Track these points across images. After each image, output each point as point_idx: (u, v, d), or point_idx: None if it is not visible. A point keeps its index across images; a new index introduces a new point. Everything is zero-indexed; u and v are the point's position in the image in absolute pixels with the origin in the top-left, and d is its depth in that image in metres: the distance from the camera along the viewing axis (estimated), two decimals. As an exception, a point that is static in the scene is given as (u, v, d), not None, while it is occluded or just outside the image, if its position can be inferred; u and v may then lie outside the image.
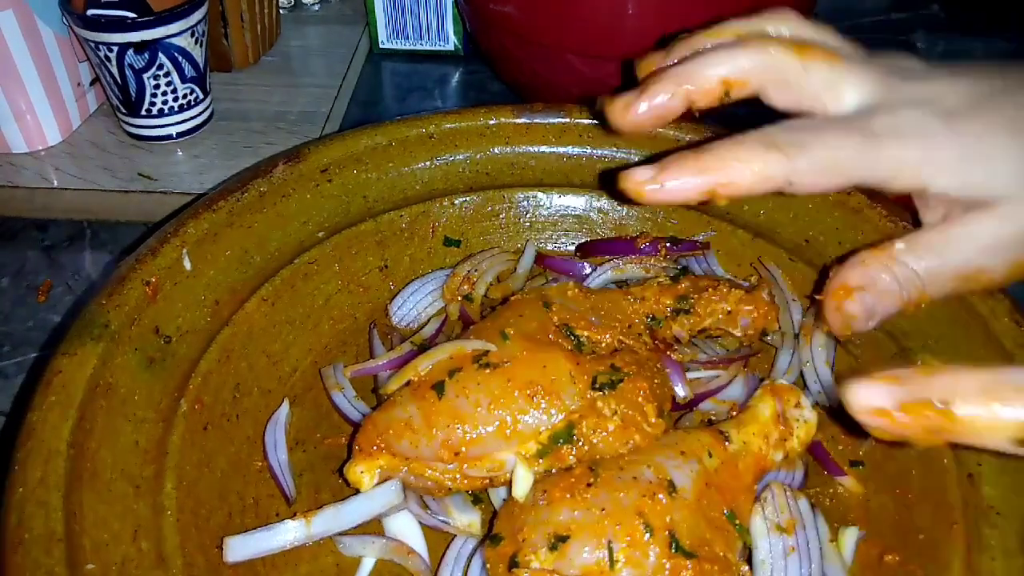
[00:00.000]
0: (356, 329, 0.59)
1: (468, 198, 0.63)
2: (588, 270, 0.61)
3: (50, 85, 0.76)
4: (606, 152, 0.61)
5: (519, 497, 0.44)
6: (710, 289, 0.54)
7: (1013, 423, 0.30)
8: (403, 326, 0.60)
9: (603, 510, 0.41)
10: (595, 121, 0.59)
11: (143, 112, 0.77)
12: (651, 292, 0.55)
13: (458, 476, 0.46)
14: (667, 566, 0.40)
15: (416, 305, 0.60)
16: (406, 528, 0.48)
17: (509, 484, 0.45)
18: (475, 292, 0.60)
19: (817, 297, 0.47)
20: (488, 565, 0.43)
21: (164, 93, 0.76)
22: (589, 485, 0.42)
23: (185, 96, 0.77)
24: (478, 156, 0.61)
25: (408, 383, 0.48)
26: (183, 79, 0.76)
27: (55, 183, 0.75)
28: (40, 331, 0.66)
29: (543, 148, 0.62)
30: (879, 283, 0.42)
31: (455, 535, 0.47)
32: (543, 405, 0.45)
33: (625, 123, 0.45)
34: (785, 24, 0.46)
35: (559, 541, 0.41)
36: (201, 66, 0.77)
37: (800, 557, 0.43)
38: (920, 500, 0.47)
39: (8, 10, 0.70)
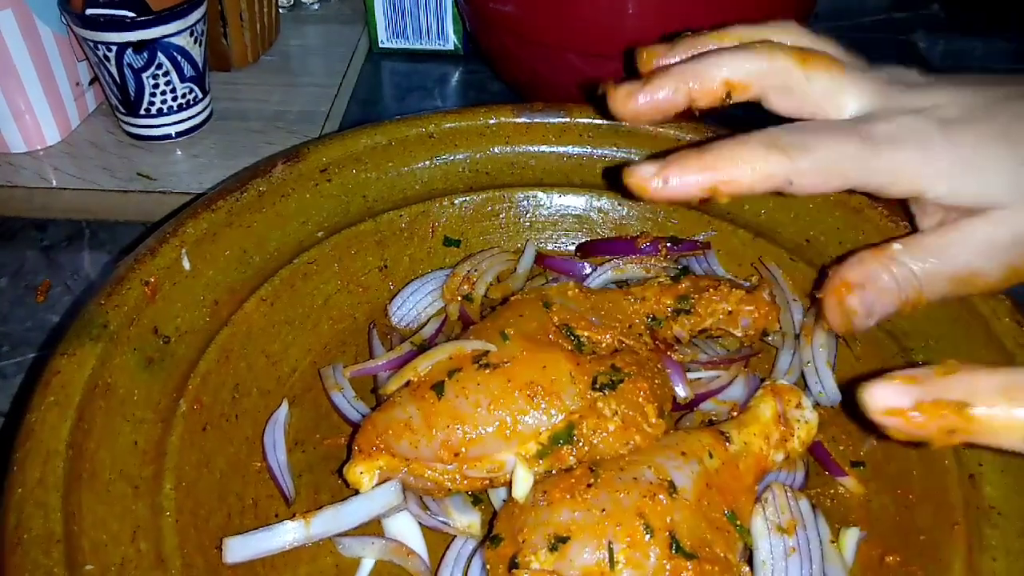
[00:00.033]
0: (355, 329, 0.59)
1: (468, 198, 0.62)
2: (588, 270, 0.61)
3: (49, 85, 0.76)
4: (607, 152, 0.61)
5: (519, 498, 0.44)
6: (711, 289, 0.54)
7: None
8: (403, 326, 0.59)
9: (603, 511, 0.41)
10: (594, 105, 0.59)
11: (142, 112, 0.77)
12: (651, 292, 0.55)
13: (458, 477, 0.46)
14: (668, 567, 0.40)
15: (416, 305, 0.60)
16: (406, 529, 0.48)
17: (509, 485, 0.45)
18: (475, 292, 0.59)
19: (817, 295, 0.47)
20: (488, 566, 0.43)
21: (163, 93, 0.76)
22: (589, 486, 0.42)
23: (184, 96, 0.77)
24: (478, 156, 0.61)
25: (408, 383, 0.48)
26: (182, 78, 0.76)
27: (54, 183, 0.75)
28: (39, 331, 0.65)
29: (543, 148, 0.61)
30: (878, 281, 0.43)
31: (455, 536, 0.47)
32: (543, 405, 0.45)
33: (625, 111, 0.46)
34: (788, 34, 0.47)
35: (559, 542, 0.40)
36: (200, 65, 0.77)
37: (801, 558, 0.43)
38: (921, 501, 0.47)
39: (7, 9, 0.70)
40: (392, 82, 0.94)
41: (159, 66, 0.74)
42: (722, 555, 0.41)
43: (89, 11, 0.74)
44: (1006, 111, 0.42)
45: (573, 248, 0.64)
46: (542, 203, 0.64)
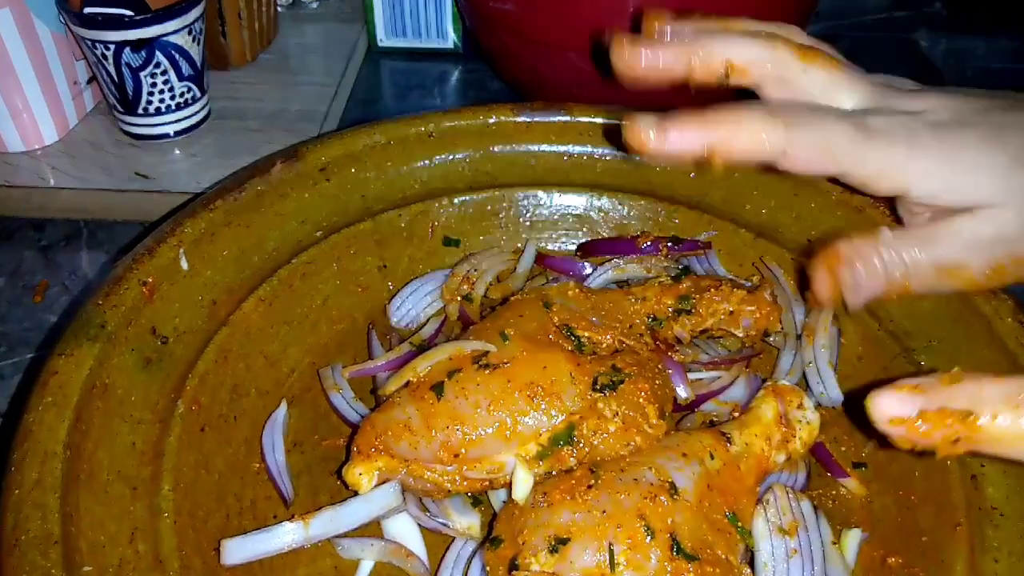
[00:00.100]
0: (354, 329, 0.59)
1: (468, 197, 0.62)
2: (588, 270, 0.60)
3: (46, 84, 0.76)
4: (607, 151, 0.61)
5: (519, 499, 0.44)
6: (712, 289, 0.54)
7: None
8: (402, 326, 0.59)
9: (604, 512, 0.41)
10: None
11: (140, 111, 0.76)
12: (652, 292, 0.54)
13: (457, 478, 0.46)
14: (668, 569, 0.39)
15: (415, 305, 0.60)
16: (405, 530, 0.47)
17: (509, 486, 0.45)
18: (474, 292, 0.59)
19: (806, 264, 0.47)
20: (488, 568, 0.43)
21: (161, 91, 0.75)
22: (590, 487, 0.42)
23: (182, 94, 0.77)
24: (478, 155, 0.61)
25: (407, 384, 0.48)
26: (180, 77, 0.76)
27: (52, 182, 0.74)
28: (36, 331, 0.65)
29: (543, 147, 0.61)
30: (869, 259, 0.44)
31: (454, 537, 0.47)
32: (543, 406, 0.45)
33: (623, 65, 0.46)
34: (790, 34, 0.48)
35: (559, 543, 0.40)
36: (198, 64, 0.77)
37: (802, 559, 0.43)
38: (923, 502, 0.47)
39: (5, 8, 0.70)
40: (391, 81, 0.94)
41: (157, 65, 0.73)
42: (723, 556, 0.41)
43: (87, 10, 0.73)
44: (993, 118, 0.44)
45: (573, 248, 0.64)
46: (542, 202, 0.64)
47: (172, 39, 0.73)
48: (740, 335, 0.54)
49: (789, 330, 0.56)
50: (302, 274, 0.57)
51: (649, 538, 0.40)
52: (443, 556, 0.46)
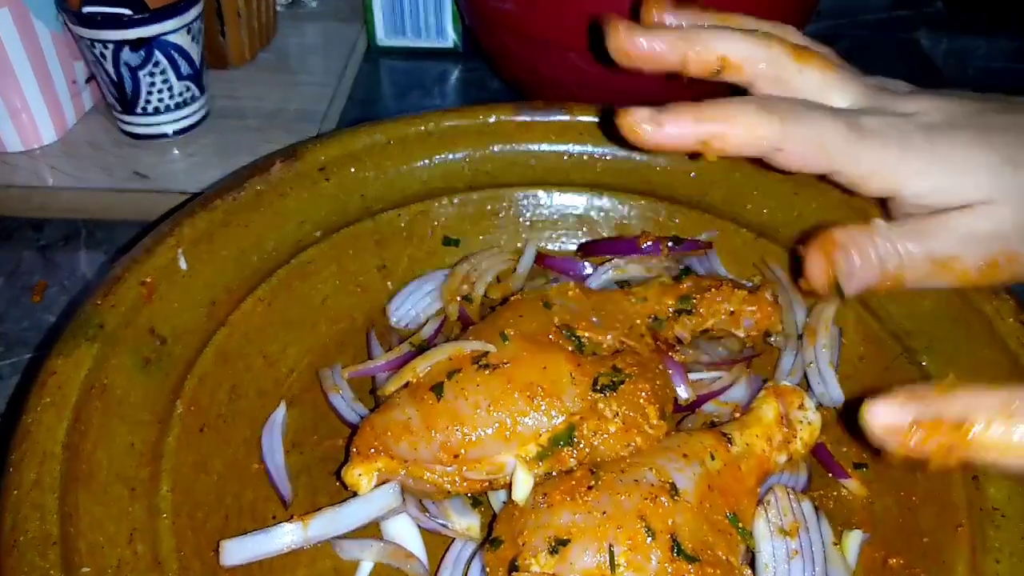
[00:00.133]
0: (354, 330, 0.59)
1: (467, 197, 0.62)
2: (589, 270, 0.60)
3: (45, 83, 0.76)
4: (607, 150, 0.61)
5: (519, 500, 0.44)
6: (713, 289, 0.54)
7: None
8: (402, 327, 0.59)
9: (604, 513, 0.41)
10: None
11: (139, 110, 0.76)
12: (653, 292, 0.54)
13: (457, 479, 0.46)
14: (669, 570, 0.39)
15: (415, 305, 0.59)
16: (404, 531, 0.47)
17: (509, 487, 0.45)
18: (474, 292, 0.59)
19: (800, 249, 0.47)
20: (488, 569, 0.43)
21: (160, 91, 0.75)
22: (590, 488, 0.42)
23: (181, 94, 0.77)
24: (477, 154, 0.61)
25: (406, 385, 0.48)
26: (179, 76, 0.75)
27: (50, 182, 0.74)
28: (35, 332, 0.65)
29: (543, 146, 0.61)
30: (864, 247, 0.44)
31: (454, 538, 0.47)
32: (543, 407, 0.45)
33: (618, 47, 0.47)
34: (787, 34, 0.49)
35: (559, 545, 0.40)
36: (197, 63, 0.77)
37: (803, 560, 0.43)
38: (924, 502, 0.47)
39: (3, 7, 0.70)
40: (391, 80, 0.94)
41: (156, 64, 0.73)
42: (724, 558, 0.41)
43: (86, 9, 0.73)
44: (984, 120, 0.44)
45: (573, 248, 0.63)
46: (542, 202, 0.63)
47: (171, 38, 0.73)
48: (741, 335, 0.54)
49: (790, 330, 0.56)
50: (301, 274, 0.57)
51: (650, 539, 0.40)
52: (443, 557, 0.46)
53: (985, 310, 0.47)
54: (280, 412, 0.52)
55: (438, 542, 0.47)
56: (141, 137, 0.78)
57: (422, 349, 0.53)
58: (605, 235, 0.63)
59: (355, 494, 0.46)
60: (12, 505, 0.38)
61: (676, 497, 0.42)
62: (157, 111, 0.76)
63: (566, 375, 0.46)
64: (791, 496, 0.45)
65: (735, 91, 0.48)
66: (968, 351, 0.48)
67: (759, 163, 0.45)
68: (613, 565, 0.39)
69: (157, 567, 0.41)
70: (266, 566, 0.45)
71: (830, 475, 0.50)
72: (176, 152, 0.78)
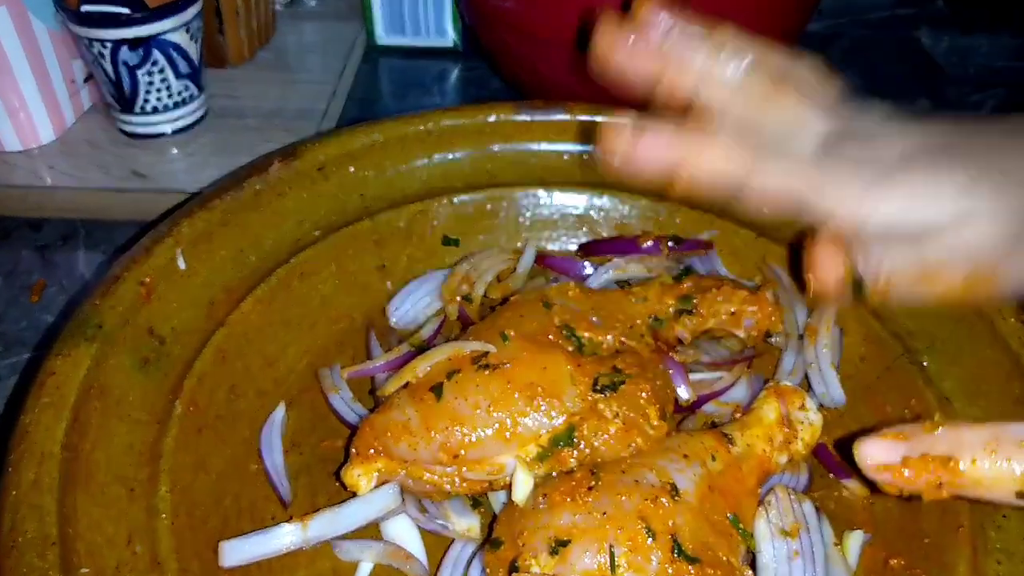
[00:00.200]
0: (353, 330, 0.59)
1: (467, 197, 0.62)
2: (589, 270, 0.60)
3: (43, 82, 0.75)
4: (607, 150, 0.61)
5: (519, 501, 0.44)
6: (713, 289, 0.54)
7: (1017, 477, 0.32)
8: (401, 327, 0.59)
9: (604, 514, 0.40)
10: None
11: (137, 109, 0.76)
12: (653, 292, 0.54)
13: (457, 479, 0.46)
14: (669, 571, 0.39)
15: (414, 306, 0.59)
16: (404, 532, 0.47)
17: (509, 487, 0.45)
18: (474, 292, 0.59)
19: (810, 245, 0.46)
20: (488, 570, 0.43)
21: (158, 90, 0.75)
22: (590, 488, 0.42)
23: (180, 93, 0.76)
24: (477, 154, 0.61)
25: (406, 385, 0.48)
26: (178, 75, 0.75)
27: (49, 182, 0.74)
28: (33, 331, 0.65)
29: (543, 145, 0.61)
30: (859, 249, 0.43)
31: (454, 539, 0.47)
32: (543, 407, 0.45)
33: (604, 46, 0.46)
34: (768, 57, 0.47)
35: (560, 545, 0.40)
36: (196, 62, 0.76)
37: (804, 561, 0.43)
38: (925, 503, 0.46)
39: (2, 6, 0.69)
40: (390, 79, 0.94)
41: (154, 63, 0.73)
42: (725, 559, 0.41)
43: (84, 8, 0.73)
44: (952, 145, 0.44)
45: (573, 248, 0.63)
46: (542, 202, 0.63)
47: (169, 37, 0.72)
48: (742, 335, 0.54)
49: (791, 330, 0.55)
50: (300, 274, 0.57)
51: (650, 540, 0.40)
52: (442, 558, 0.46)
53: (986, 310, 0.47)
54: (279, 412, 0.52)
55: (438, 543, 0.47)
56: (140, 136, 0.78)
57: (422, 349, 0.53)
58: (605, 235, 0.63)
59: (354, 495, 0.46)
60: (11, 506, 0.38)
61: (677, 498, 0.41)
62: (156, 110, 0.76)
63: (566, 375, 0.46)
64: (792, 497, 0.45)
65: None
66: (970, 351, 0.48)
67: None
68: (613, 566, 0.39)
69: (156, 568, 0.41)
70: (265, 567, 0.45)
71: (831, 475, 0.50)
72: (175, 151, 0.78)
